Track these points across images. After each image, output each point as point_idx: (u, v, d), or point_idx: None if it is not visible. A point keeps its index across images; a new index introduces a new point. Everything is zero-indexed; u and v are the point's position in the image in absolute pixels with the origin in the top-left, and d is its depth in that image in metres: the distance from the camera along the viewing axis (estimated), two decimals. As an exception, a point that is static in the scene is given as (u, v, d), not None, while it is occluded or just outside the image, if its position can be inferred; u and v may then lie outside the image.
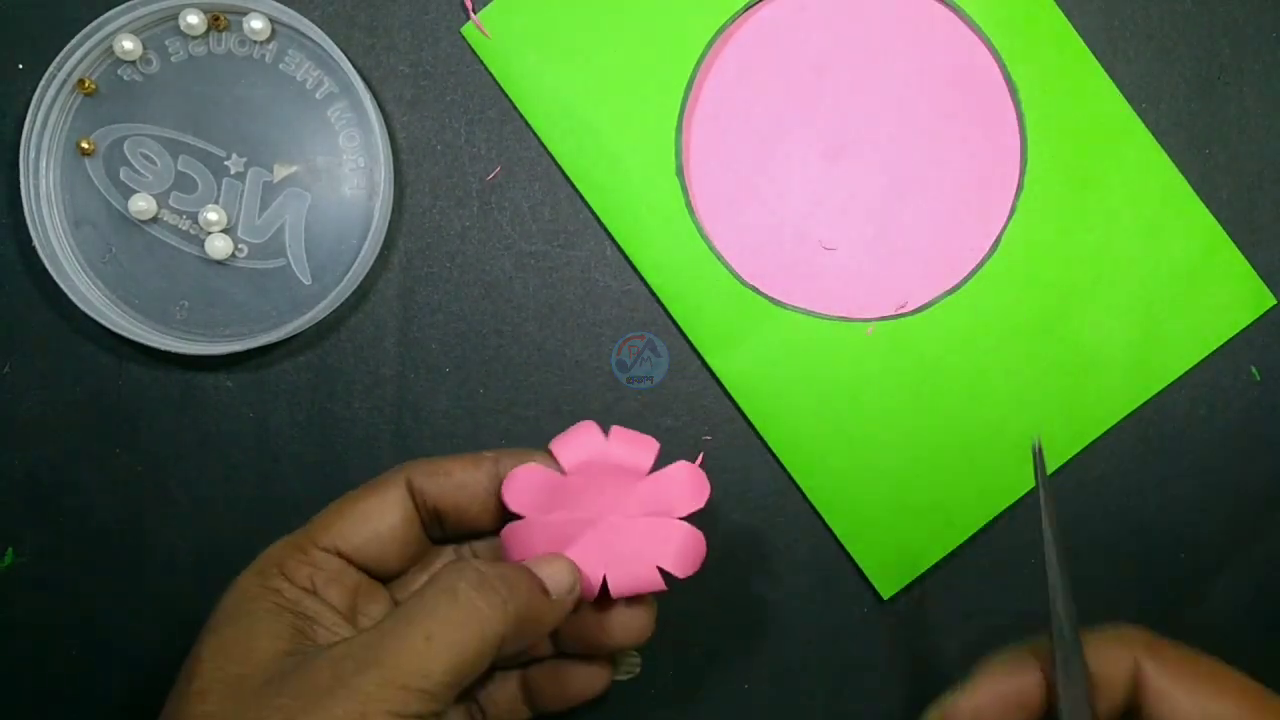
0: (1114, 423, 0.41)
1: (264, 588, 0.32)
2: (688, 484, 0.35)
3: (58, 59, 0.39)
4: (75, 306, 0.39)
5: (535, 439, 0.41)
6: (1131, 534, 0.42)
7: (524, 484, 0.34)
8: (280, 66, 0.40)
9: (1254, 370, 0.42)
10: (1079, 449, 0.41)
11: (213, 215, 0.40)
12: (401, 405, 0.41)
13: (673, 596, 0.41)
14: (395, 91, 0.41)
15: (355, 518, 0.34)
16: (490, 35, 0.40)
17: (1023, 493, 0.41)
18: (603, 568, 0.34)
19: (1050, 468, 0.41)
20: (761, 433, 0.41)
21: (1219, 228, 0.41)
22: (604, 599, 0.35)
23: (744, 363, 0.41)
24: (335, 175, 0.40)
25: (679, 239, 0.41)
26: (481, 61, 0.41)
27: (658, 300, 0.41)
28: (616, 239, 0.41)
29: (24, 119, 0.39)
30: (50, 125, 0.40)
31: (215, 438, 0.41)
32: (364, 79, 0.40)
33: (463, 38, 0.41)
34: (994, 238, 0.41)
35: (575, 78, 0.40)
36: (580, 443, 0.35)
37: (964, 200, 0.41)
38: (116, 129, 0.40)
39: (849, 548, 0.41)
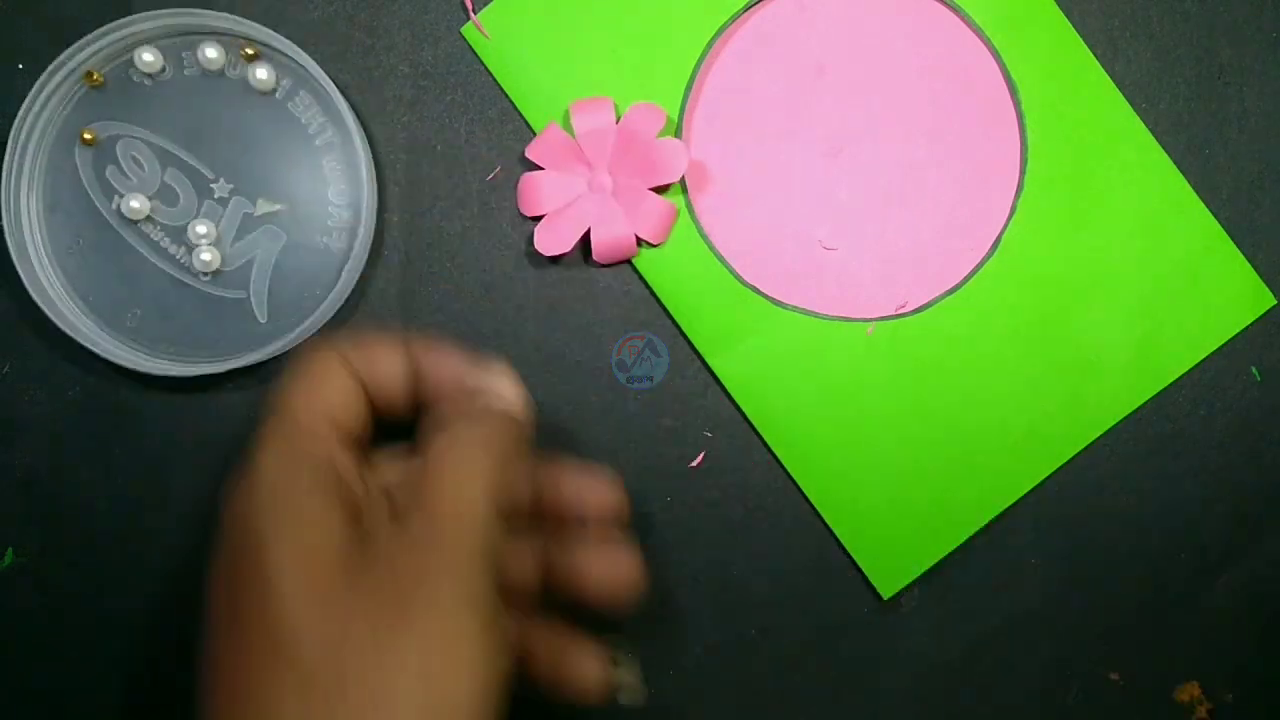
0: (1114, 423, 0.41)
1: (307, 470, 0.31)
2: (670, 156, 0.39)
3: (72, 47, 0.39)
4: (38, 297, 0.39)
5: (536, 437, 0.41)
6: (1131, 534, 0.42)
7: (545, 140, 0.40)
8: (289, 105, 0.40)
9: (1254, 370, 0.42)
10: (1079, 449, 0.41)
11: (201, 229, 0.40)
12: (401, 405, 0.41)
13: (672, 597, 0.41)
14: (395, 91, 0.41)
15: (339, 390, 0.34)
16: (490, 35, 0.40)
17: (1024, 492, 0.41)
18: (588, 223, 0.40)
19: (1050, 468, 0.41)
20: (761, 433, 0.41)
21: (1219, 227, 0.41)
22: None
23: (744, 363, 0.41)
24: (315, 224, 0.40)
25: (678, 239, 0.41)
26: (481, 61, 0.41)
27: (657, 300, 0.41)
28: None
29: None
30: (49, 110, 0.39)
31: (215, 438, 0.41)
32: (366, 134, 0.40)
33: (463, 38, 0.41)
34: (994, 238, 0.41)
35: (575, 78, 0.40)
36: (595, 110, 0.40)
37: (964, 200, 0.41)
38: (113, 126, 0.40)
39: (849, 547, 0.41)
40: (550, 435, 0.41)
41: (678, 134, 0.40)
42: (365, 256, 0.40)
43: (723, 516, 0.41)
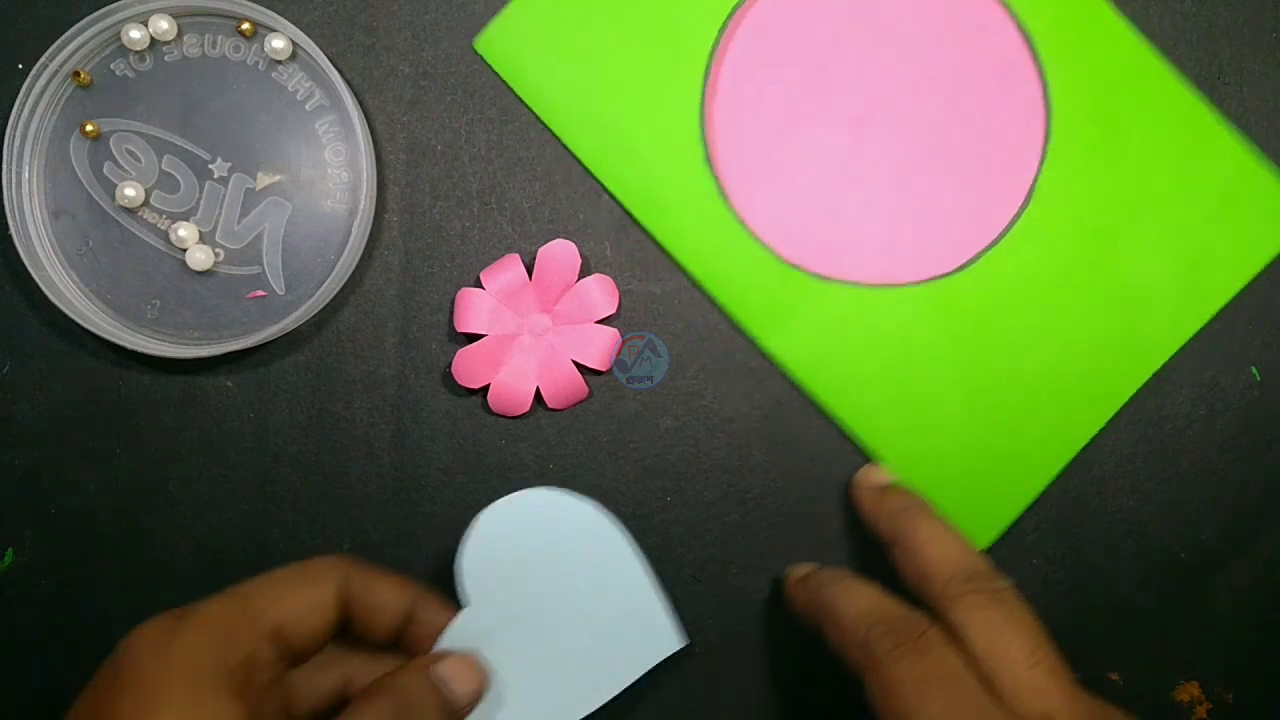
0: (1173, 352, 0.41)
1: (218, 660, 0.29)
2: (601, 292, 0.40)
3: (52, 48, 0.39)
4: (60, 302, 0.39)
5: (535, 438, 0.41)
6: (1131, 534, 0.42)
7: (467, 305, 0.40)
8: (273, 75, 0.40)
9: (1254, 370, 0.42)
10: (1143, 381, 0.41)
11: (183, 231, 0.40)
12: (401, 405, 0.41)
13: (672, 596, 0.41)
14: (395, 91, 0.41)
15: (297, 603, 0.32)
16: (502, 47, 0.40)
17: (1094, 432, 0.41)
18: (535, 380, 0.40)
19: (1114, 406, 0.41)
20: (829, 408, 0.41)
21: (1245, 150, 0.41)
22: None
23: (798, 341, 0.41)
24: (318, 188, 0.40)
25: (716, 227, 0.41)
26: (489, 66, 0.41)
27: (704, 292, 0.41)
28: (654, 235, 0.41)
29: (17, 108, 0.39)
30: (39, 114, 0.40)
31: (215, 438, 0.41)
32: (355, 94, 0.40)
33: (463, 38, 0.41)
34: (1028, 186, 0.41)
35: (593, 80, 0.40)
36: (505, 269, 0.40)
37: (994, 153, 0.41)
38: (105, 123, 0.40)
39: (938, 506, 0.41)
40: (549, 434, 0.41)
41: (700, 123, 0.40)
42: (372, 211, 0.40)
43: (723, 516, 0.41)
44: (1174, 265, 0.41)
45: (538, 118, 0.41)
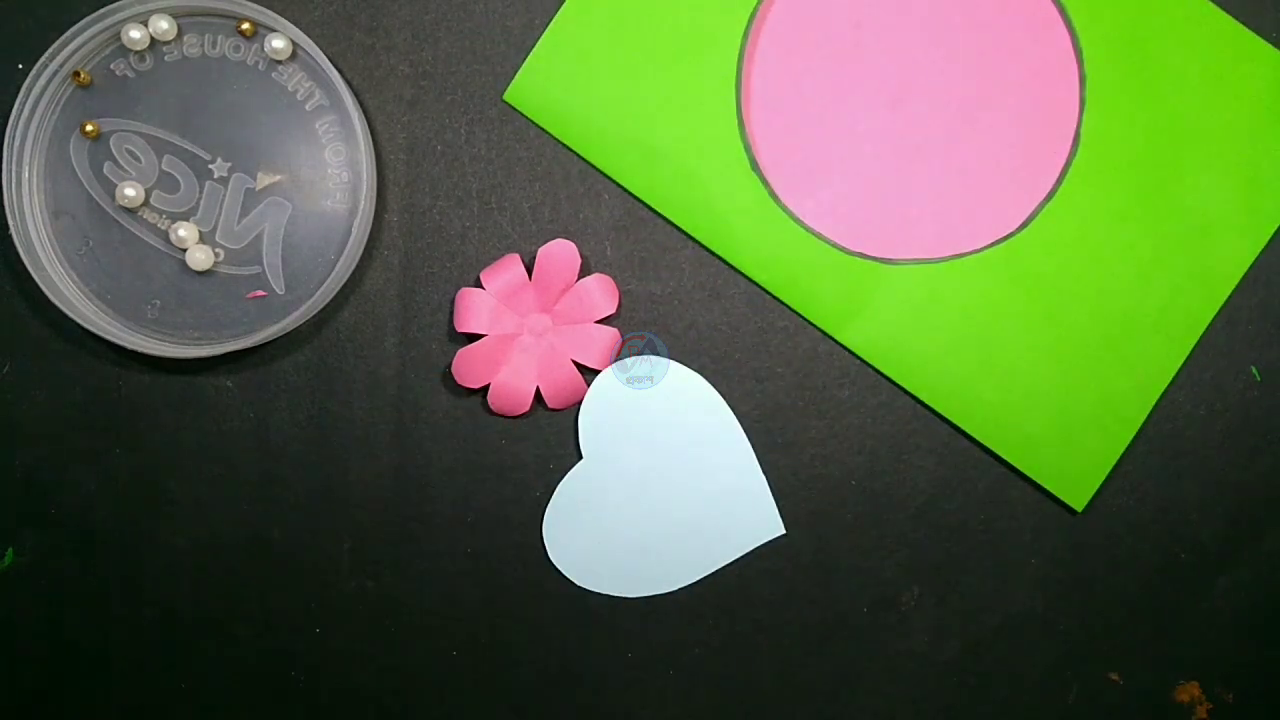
0: (1243, 273, 0.41)
1: None
2: (601, 292, 0.40)
3: (53, 48, 0.39)
4: (60, 302, 0.39)
5: (535, 438, 0.41)
6: (1131, 534, 0.42)
7: (467, 305, 0.40)
8: (273, 75, 0.40)
9: (1254, 370, 0.42)
10: (1218, 308, 0.41)
11: (183, 231, 0.40)
12: (401, 405, 0.41)
13: (673, 597, 0.41)
14: (395, 91, 0.41)
15: None
16: (533, 96, 0.40)
17: (1175, 370, 0.41)
18: (535, 380, 0.40)
19: (1191, 340, 0.41)
20: (910, 390, 0.41)
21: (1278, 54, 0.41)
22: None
23: (873, 329, 0.41)
24: (318, 188, 0.40)
25: (774, 230, 0.41)
26: (526, 116, 0.41)
27: (773, 296, 0.41)
28: (717, 252, 0.41)
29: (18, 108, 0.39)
30: (39, 114, 0.40)
31: (215, 438, 0.41)
32: (355, 94, 0.40)
33: (462, 38, 0.41)
34: (1072, 134, 0.41)
35: (628, 110, 0.40)
36: (505, 269, 0.40)
37: (1033, 107, 0.41)
38: (105, 123, 0.40)
39: (1028, 471, 0.41)
40: (550, 434, 0.41)
41: (740, 131, 0.40)
42: (372, 211, 0.40)
43: (723, 516, 0.41)
44: (1230, 185, 0.41)
45: (581, 158, 0.41)
